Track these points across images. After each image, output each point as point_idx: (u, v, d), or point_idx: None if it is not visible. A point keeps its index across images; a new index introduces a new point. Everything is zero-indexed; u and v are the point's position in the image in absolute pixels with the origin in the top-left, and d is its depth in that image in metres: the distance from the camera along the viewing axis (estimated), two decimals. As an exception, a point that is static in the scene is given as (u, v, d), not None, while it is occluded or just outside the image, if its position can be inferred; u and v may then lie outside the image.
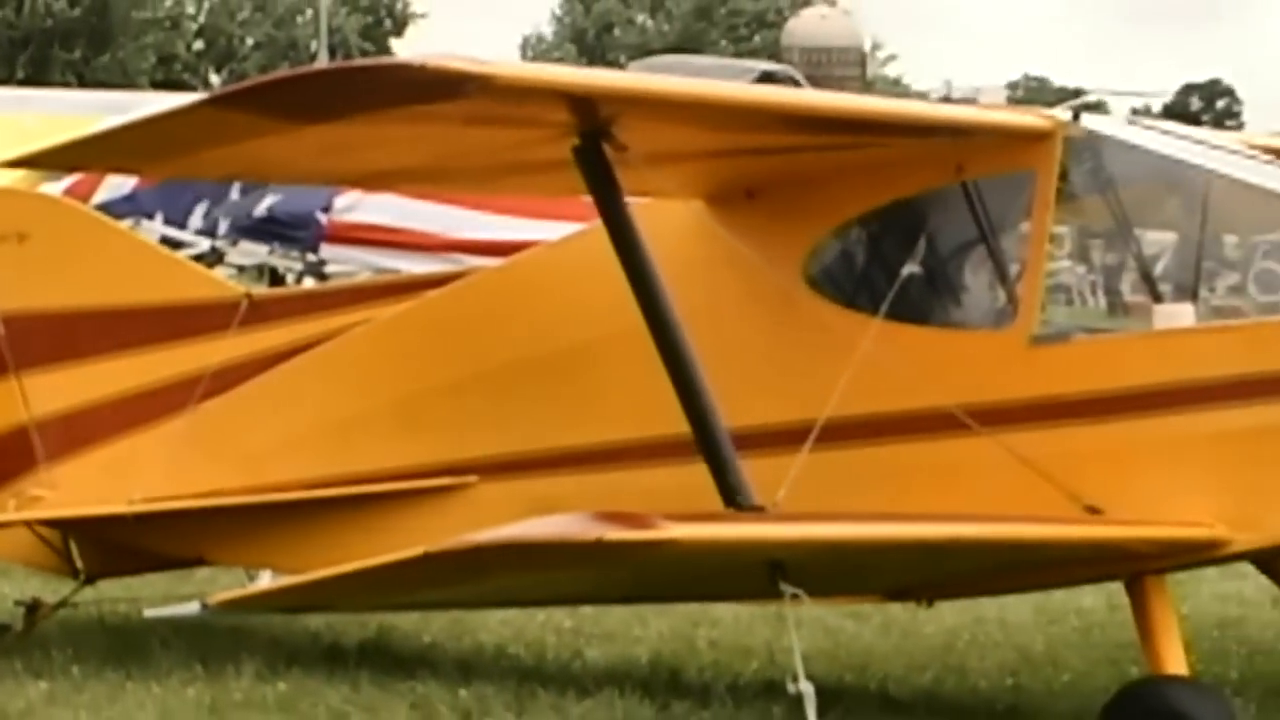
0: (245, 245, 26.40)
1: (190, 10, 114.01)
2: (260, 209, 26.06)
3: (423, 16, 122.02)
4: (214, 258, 25.72)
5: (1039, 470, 12.06)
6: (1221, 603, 16.23)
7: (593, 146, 11.44)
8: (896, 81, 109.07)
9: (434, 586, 11.10)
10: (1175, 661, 11.88)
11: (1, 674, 14.39)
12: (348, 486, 14.27)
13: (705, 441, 11.65)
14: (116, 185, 25.02)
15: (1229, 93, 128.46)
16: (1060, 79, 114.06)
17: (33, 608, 15.71)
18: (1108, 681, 12.77)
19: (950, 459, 12.31)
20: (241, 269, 27.23)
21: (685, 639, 15.53)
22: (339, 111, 10.88)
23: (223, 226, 26.01)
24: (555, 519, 10.35)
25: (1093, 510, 12.02)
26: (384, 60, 13.66)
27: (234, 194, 26.29)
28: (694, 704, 13.77)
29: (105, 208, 22.01)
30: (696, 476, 11.69)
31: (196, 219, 26.14)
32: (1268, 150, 14.10)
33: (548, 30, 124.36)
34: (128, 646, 14.96)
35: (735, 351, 12.32)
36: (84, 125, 12.35)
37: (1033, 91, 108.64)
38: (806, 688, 10.46)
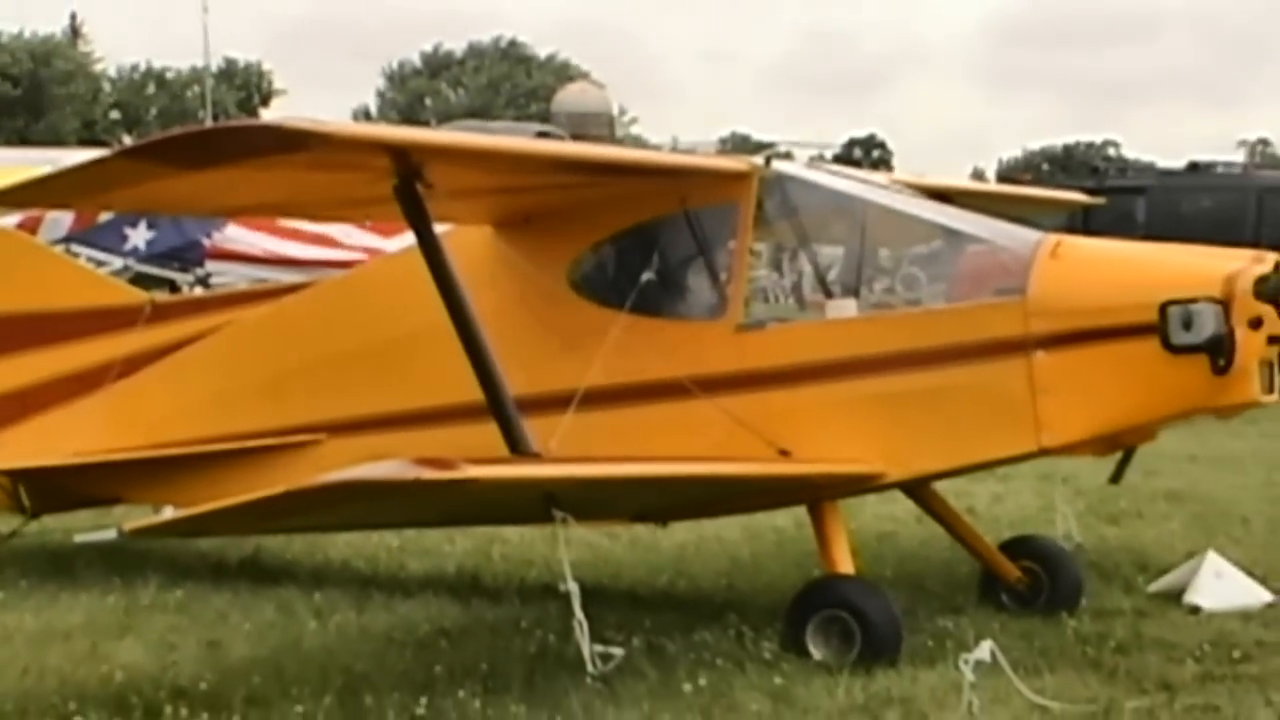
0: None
1: (106, 88, 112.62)
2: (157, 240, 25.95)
3: (283, 92, 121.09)
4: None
5: (743, 424, 12.07)
6: (879, 520, 16.35)
7: (408, 186, 11.28)
8: (637, 138, 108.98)
9: (293, 515, 10.95)
10: (845, 564, 11.92)
11: (-34, 588, 14.23)
12: (227, 443, 14.13)
13: (495, 406, 11.55)
14: (54, 223, 24.81)
15: (882, 145, 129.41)
16: (759, 135, 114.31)
17: (-8, 537, 15.62)
18: (796, 580, 12.82)
19: (679, 416, 12.28)
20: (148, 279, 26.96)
21: (483, 553, 15.48)
22: (217, 160, 10.69)
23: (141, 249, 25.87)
24: (383, 464, 10.22)
25: (784, 453, 12.06)
26: (250, 121, 13.44)
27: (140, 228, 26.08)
28: (490, 602, 13.74)
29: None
30: (490, 432, 11.61)
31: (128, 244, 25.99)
32: (909, 185, 14.25)
33: (373, 103, 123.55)
34: (62, 565, 14.77)
35: (518, 338, 12.24)
36: (27, 173, 12.09)
37: (738, 145, 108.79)
38: (573, 588, 10.38)
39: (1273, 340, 11.60)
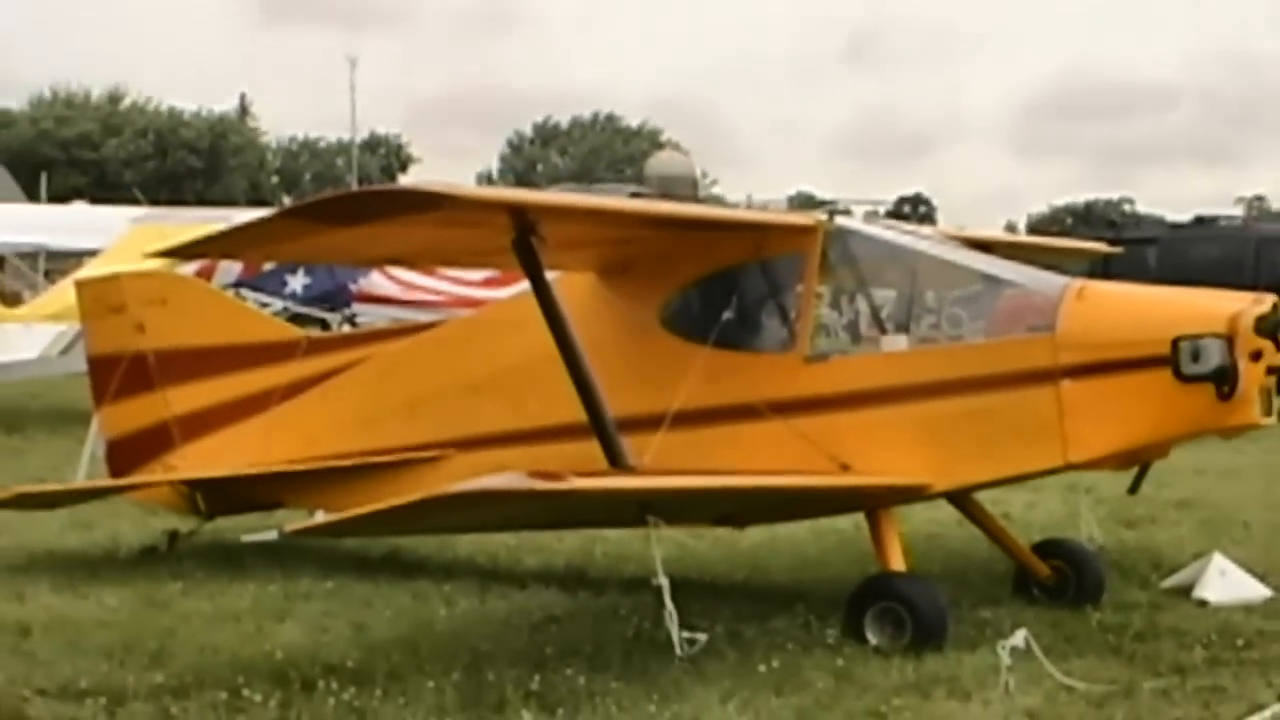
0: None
1: (270, 157, 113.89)
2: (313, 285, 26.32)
3: (419, 160, 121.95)
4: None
5: (810, 442, 12.00)
6: (926, 524, 16.18)
7: (524, 239, 11.31)
8: (718, 197, 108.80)
9: (427, 519, 10.99)
10: (898, 562, 11.86)
11: (153, 576, 14.31)
12: (371, 457, 14.16)
13: (597, 426, 11.55)
14: (226, 270, 25.21)
15: (927, 202, 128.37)
16: (821, 194, 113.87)
17: (173, 535, 15.75)
18: (856, 576, 12.70)
19: (755, 435, 12.22)
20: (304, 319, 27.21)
21: (588, 551, 15.43)
22: (364, 218, 10.79)
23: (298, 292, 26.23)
24: (503, 476, 10.24)
25: (845, 467, 11.99)
26: (392, 186, 13.55)
27: (300, 276, 26.42)
28: (594, 592, 13.69)
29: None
30: (592, 448, 11.60)
31: (288, 289, 26.36)
32: (952, 236, 14.17)
33: (495, 168, 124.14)
34: (232, 559, 14.83)
35: (617, 368, 12.20)
36: (204, 230, 12.24)
37: (804, 202, 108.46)
38: (664, 581, 10.36)
39: (1271, 370, 11.57)
